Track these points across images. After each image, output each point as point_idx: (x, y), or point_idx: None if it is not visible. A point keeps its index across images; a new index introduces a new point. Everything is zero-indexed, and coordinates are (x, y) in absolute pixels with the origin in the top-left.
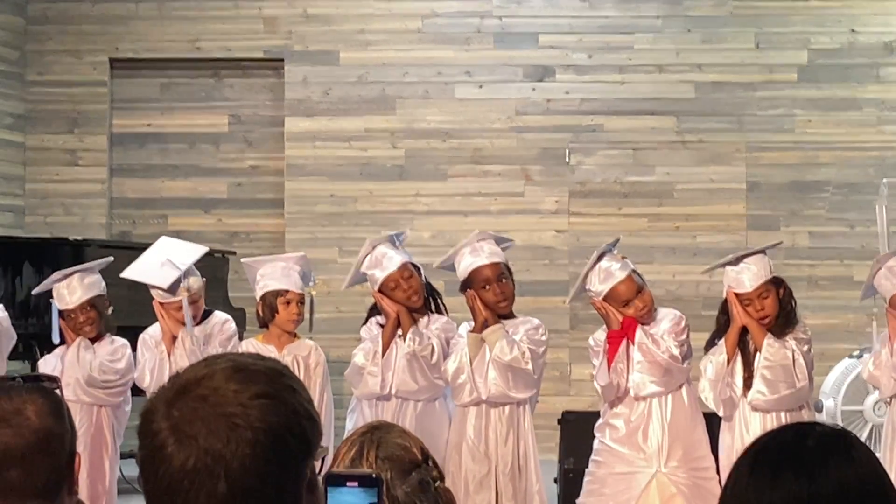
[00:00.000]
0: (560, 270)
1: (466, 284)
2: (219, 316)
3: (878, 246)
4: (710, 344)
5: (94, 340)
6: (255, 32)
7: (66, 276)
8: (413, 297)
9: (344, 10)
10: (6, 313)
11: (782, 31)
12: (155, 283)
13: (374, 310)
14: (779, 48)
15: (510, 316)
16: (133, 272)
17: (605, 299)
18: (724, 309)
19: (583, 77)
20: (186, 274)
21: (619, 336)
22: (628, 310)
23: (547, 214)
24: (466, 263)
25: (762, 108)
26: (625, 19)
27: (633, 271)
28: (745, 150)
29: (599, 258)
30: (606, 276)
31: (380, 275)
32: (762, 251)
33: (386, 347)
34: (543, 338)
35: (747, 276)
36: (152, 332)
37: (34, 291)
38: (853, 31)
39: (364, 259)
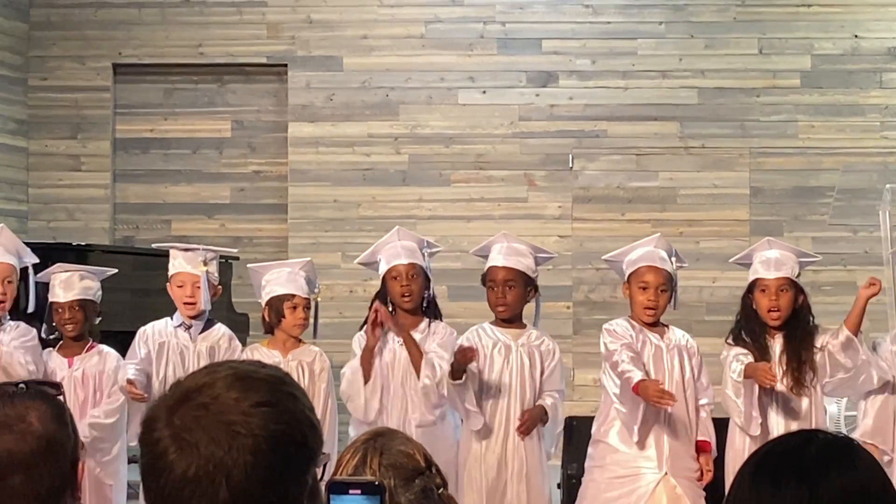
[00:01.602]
0: (563, 276)
1: (483, 278)
2: (221, 329)
3: (882, 251)
4: (738, 337)
5: (76, 339)
6: (259, 38)
7: (66, 271)
8: (405, 297)
9: (347, 15)
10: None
11: (785, 36)
12: (179, 244)
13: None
14: (782, 54)
15: (517, 321)
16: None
17: (629, 275)
18: (744, 303)
19: (586, 83)
20: (211, 259)
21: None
22: (639, 294)
23: (550, 220)
24: (489, 260)
25: (765, 114)
26: (628, 25)
27: (672, 276)
28: (749, 156)
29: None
30: (650, 256)
31: (388, 263)
32: (802, 253)
33: (367, 375)
34: (557, 355)
35: (774, 264)
36: (158, 328)
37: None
38: (856, 36)
39: (387, 243)
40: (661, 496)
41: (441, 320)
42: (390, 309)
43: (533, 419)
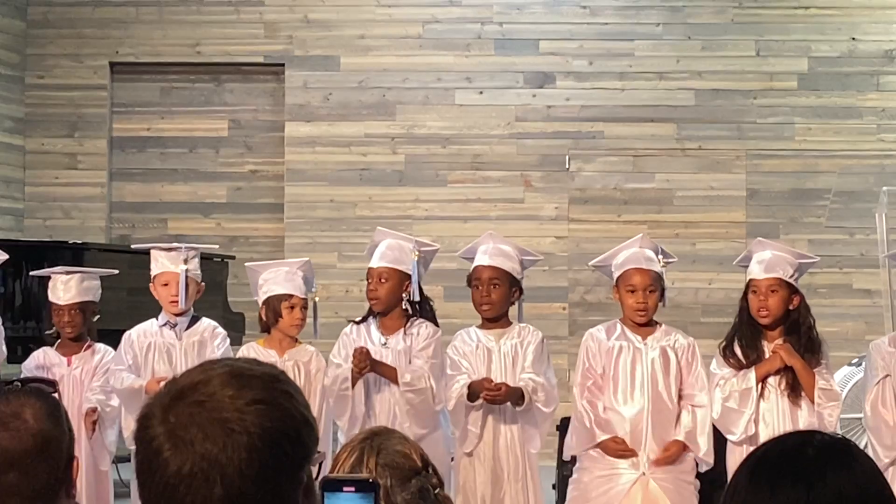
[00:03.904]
0: (559, 277)
1: (469, 280)
2: (205, 322)
3: (878, 254)
4: (730, 346)
5: (74, 340)
6: (256, 37)
7: (67, 273)
8: (372, 300)
9: (345, 15)
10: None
11: (783, 38)
12: (160, 245)
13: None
14: (779, 56)
15: (502, 320)
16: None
17: (616, 279)
18: (744, 295)
19: (583, 84)
20: (192, 257)
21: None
22: (629, 297)
23: (546, 221)
24: (474, 260)
25: (762, 116)
26: (625, 26)
27: (661, 275)
28: (745, 158)
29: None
30: (636, 258)
31: (371, 261)
32: (800, 255)
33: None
34: (538, 339)
35: (765, 265)
36: (143, 329)
37: (32, 273)
38: (853, 39)
39: (380, 242)
40: (636, 497)
41: (434, 321)
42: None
43: (499, 392)
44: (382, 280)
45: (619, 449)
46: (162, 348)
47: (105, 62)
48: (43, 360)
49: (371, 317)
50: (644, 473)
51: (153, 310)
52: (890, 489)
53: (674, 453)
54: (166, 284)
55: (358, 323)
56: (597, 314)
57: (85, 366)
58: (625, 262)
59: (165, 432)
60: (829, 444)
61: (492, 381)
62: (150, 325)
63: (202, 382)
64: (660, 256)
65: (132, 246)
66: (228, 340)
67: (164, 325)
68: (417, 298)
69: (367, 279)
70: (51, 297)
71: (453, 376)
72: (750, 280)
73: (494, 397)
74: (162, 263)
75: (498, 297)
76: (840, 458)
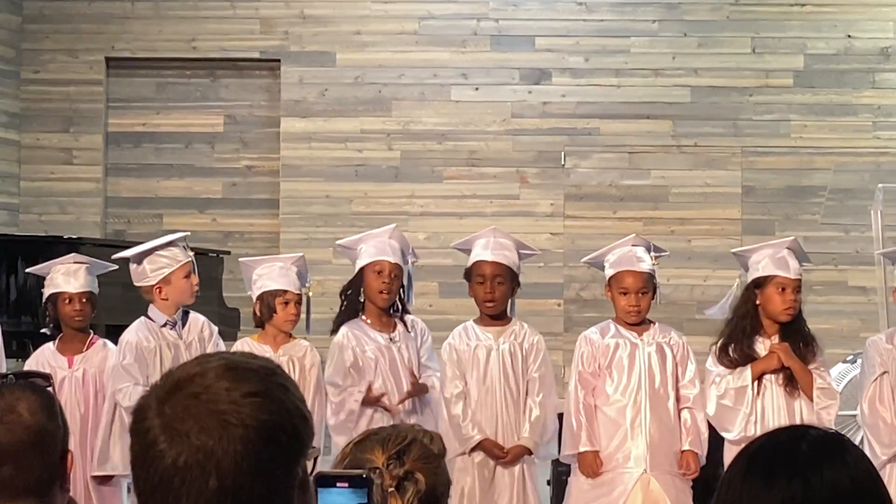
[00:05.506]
0: (554, 273)
1: (468, 274)
2: (200, 318)
3: (873, 252)
4: (725, 348)
5: (79, 331)
6: (252, 33)
7: (76, 262)
8: (383, 293)
9: (341, 11)
10: None
11: (779, 35)
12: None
13: (349, 300)
14: (775, 53)
15: (503, 317)
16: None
17: (609, 279)
18: (746, 298)
19: (579, 80)
20: (188, 246)
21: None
22: (621, 299)
23: (542, 217)
24: (473, 254)
25: (758, 113)
26: (621, 23)
27: (653, 275)
28: (741, 155)
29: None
30: (628, 259)
31: (373, 255)
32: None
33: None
34: (542, 353)
35: (794, 263)
36: (142, 332)
37: (28, 270)
38: (849, 36)
39: (377, 236)
40: (637, 496)
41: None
42: (361, 299)
43: (507, 458)
44: (395, 277)
45: (592, 466)
46: (168, 349)
47: (101, 57)
48: (44, 360)
49: (357, 316)
50: (646, 471)
51: (146, 306)
52: (883, 482)
53: (694, 466)
54: (188, 275)
55: (343, 321)
56: (592, 311)
57: (86, 366)
58: (617, 262)
59: (161, 424)
60: (823, 438)
61: (502, 448)
62: (150, 327)
63: (198, 375)
64: (652, 254)
65: (135, 251)
66: (221, 340)
67: (165, 325)
68: (413, 303)
69: (377, 271)
70: (59, 288)
71: (454, 380)
72: (773, 276)
73: (504, 463)
74: (175, 256)
75: (502, 294)
76: (834, 451)
